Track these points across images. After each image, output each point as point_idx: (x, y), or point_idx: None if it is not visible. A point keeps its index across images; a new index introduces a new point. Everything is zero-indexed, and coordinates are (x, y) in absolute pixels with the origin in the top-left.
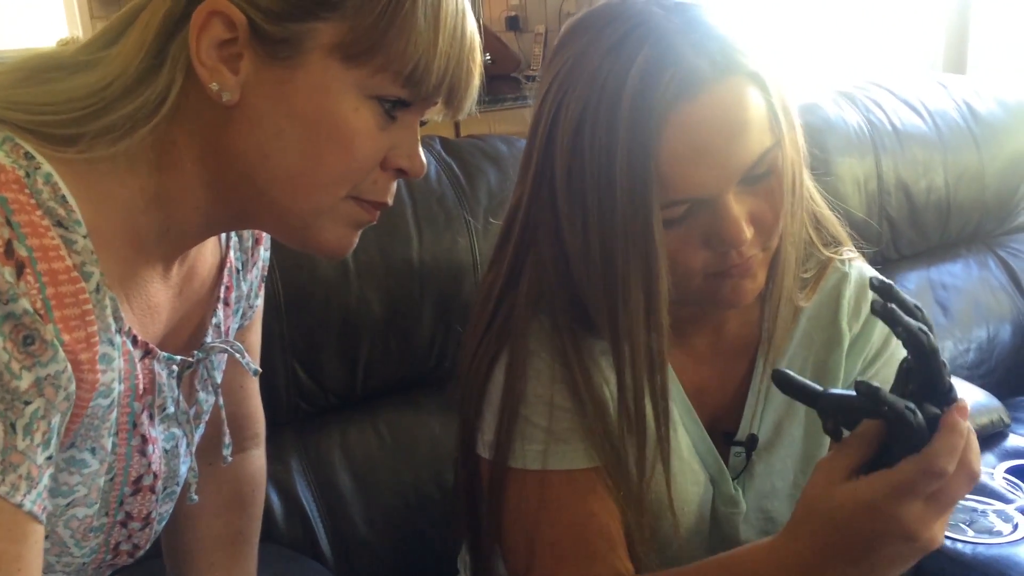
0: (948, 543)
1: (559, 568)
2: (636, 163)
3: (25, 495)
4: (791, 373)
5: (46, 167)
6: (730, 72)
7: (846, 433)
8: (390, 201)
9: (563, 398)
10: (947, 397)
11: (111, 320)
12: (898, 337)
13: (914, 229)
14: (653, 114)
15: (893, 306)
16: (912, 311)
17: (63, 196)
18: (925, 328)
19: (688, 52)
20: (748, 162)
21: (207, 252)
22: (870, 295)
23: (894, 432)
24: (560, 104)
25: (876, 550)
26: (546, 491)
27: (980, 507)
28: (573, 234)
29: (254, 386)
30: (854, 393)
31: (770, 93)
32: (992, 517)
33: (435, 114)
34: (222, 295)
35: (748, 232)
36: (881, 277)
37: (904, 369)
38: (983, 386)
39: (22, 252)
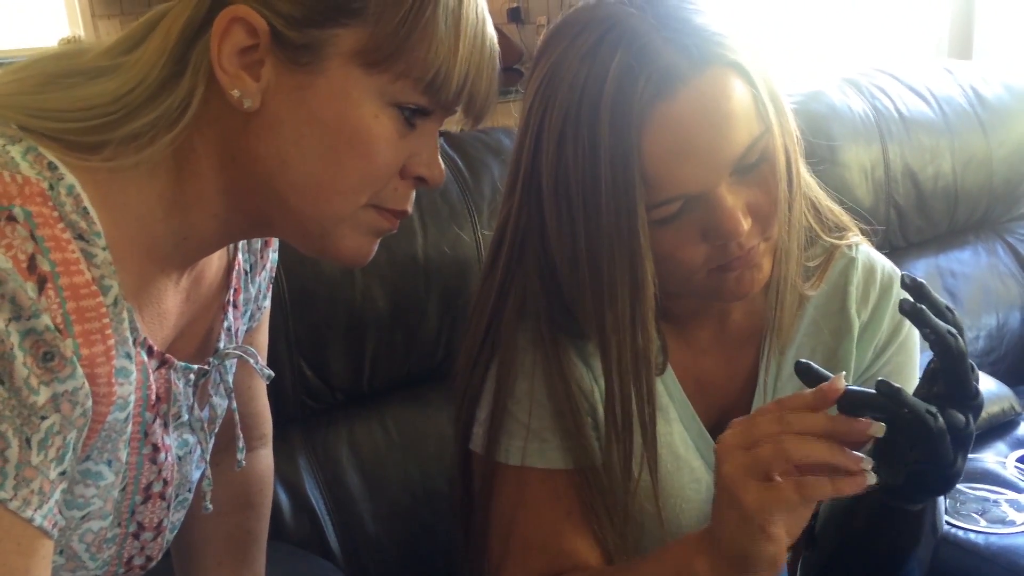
0: (960, 533)
1: (529, 564)
2: (619, 167)
3: (36, 510)
4: (814, 365)
5: (69, 178)
6: (708, 64)
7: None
8: (410, 209)
9: (544, 397)
10: (972, 403)
11: (127, 332)
12: (925, 339)
13: (922, 216)
14: (633, 117)
15: (922, 307)
16: (943, 312)
17: (84, 208)
18: (954, 331)
19: (663, 49)
20: (736, 153)
21: (214, 255)
22: (878, 280)
23: (911, 435)
24: (543, 116)
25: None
26: (523, 488)
27: (992, 497)
28: (561, 243)
29: (261, 386)
30: (875, 392)
31: (754, 80)
32: (1004, 507)
33: (454, 123)
34: (231, 298)
35: (746, 223)
36: (913, 276)
37: (931, 370)
38: (993, 374)
39: (45, 267)
